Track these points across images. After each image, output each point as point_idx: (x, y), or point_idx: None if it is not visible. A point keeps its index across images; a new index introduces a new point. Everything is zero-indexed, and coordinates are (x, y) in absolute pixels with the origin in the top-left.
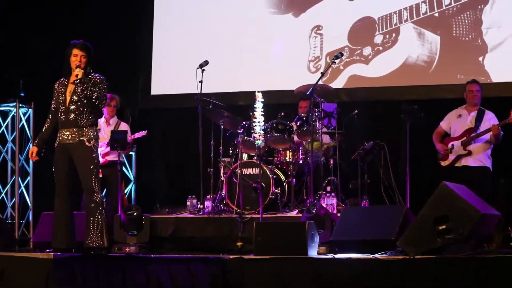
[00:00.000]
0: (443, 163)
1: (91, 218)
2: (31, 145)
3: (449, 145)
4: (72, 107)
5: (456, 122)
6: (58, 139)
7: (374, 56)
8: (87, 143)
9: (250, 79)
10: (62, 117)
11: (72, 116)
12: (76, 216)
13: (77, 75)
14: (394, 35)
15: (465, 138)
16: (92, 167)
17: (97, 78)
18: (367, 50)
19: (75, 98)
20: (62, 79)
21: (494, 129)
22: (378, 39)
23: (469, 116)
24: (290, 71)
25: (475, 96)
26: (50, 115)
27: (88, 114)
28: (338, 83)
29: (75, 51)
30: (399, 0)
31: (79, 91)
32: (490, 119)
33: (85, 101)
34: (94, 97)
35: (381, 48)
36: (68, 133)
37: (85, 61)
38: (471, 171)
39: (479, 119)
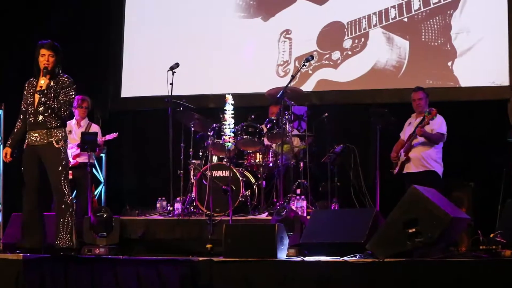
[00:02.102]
0: (394, 172)
1: (61, 220)
2: (1, 146)
3: (399, 153)
4: (41, 108)
5: (406, 130)
6: (27, 140)
7: (343, 60)
8: (55, 145)
9: (220, 82)
10: (30, 119)
11: (40, 118)
12: (47, 218)
13: (41, 87)
14: (363, 39)
15: (406, 144)
16: (60, 168)
17: (66, 80)
18: (336, 55)
19: (43, 99)
20: (31, 80)
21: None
22: (347, 43)
23: (415, 122)
24: (259, 74)
25: (418, 104)
26: (21, 115)
27: (57, 117)
28: (308, 87)
29: (43, 51)
30: (369, 5)
31: (43, 100)
32: (434, 124)
33: (50, 104)
34: (56, 109)
35: (350, 52)
36: (36, 134)
37: (53, 60)
38: (415, 177)
39: (422, 126)
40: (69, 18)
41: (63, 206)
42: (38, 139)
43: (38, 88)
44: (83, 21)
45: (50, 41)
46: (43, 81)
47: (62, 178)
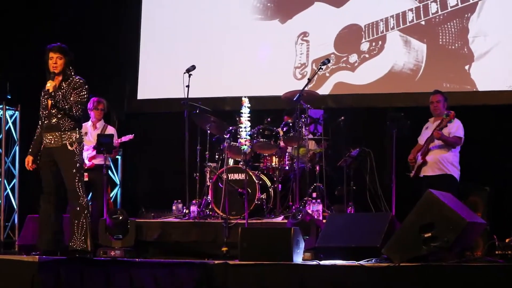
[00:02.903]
0: (410, 174)
1: (76, 221)
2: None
3: (416, 156)
4: (53, 110)
5: (424, 134)
6: (43, 142)
7: (360, 63)
8: (69, 147)
9: (236, 85)
10: (45, 121)
11: (54, 120)
12: (64, 219)
13: (48, 89)
14: (380, 42)
15: (423, 147)
16: (74, 171)
17: (78, 81)
18: (353, 58)
19: (53, 101)
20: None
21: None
22: (365, 46)
23: (432, 126)
24: (276, 77)
25: (435, 107)
26: (39, 121)
27: (70, 118)
28: (324, 90)
29: (51, 54)
30: (386, 8)
31: (53, 101)
32: (451, 127)
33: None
34: (67, 110)
35: (367, 55)
36: (51, 137)
37: (61, 62)
38: (431, 180)
39: (440, 128)
40: (85, 21)
41: (78, 208)
42: (52, 141)
43: (45, 90)
44: (99, 23)
45: (57, 44)
46: (49, 84)
47: (76, 180)
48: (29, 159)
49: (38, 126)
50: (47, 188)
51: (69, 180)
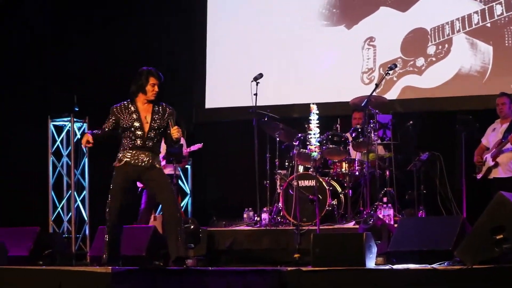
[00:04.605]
0: (478, 176)
1: (178, 229)
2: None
3: (484, 158)
4: (151, 134)
5: (490, 135)
6: (125, 159)
7: (427, 67)
8: (157, 165)
9: (304, 91)
10: (138, 142)
11: (150, 143)
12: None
13: (176, 138)
14: (446, 45)
15: (494, 150)
16: (169, 180)
17: (169, 110)
18: (420, 61)
19: (155, 125)
20: (126, 103)
21: (511, 138)
22: (431, 50)
23: (501, 128)
24: (344, 82)
25: (501, 109)
26: (105, 129)
27: (160, 142)
28: (392, 94)
29: (153, 80)
30: (451, 11)
31: (157, 123)
32: None
33: (161, 130)
34: (169, 142)
35: (434, 59)
36: (143, 157)
37: (158, 90)
38: (501, 183)
39: (508, 130)
40: (152, 32)
41: (178, 214)
42: (143, 162)
43: (145, 116)
44: (166, 34)
45: (155, 69)
46: (176, 134)
47: (172, 189)
48: (89, 137)
49: (104, 131)
50: (118, 203)
51: (168, 193)
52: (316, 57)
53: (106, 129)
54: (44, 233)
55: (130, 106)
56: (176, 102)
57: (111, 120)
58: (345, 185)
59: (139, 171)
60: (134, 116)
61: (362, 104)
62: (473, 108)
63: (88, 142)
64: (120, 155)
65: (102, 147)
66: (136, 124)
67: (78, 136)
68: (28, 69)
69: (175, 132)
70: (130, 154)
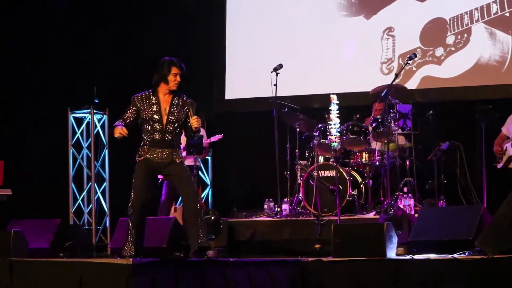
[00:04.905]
0: (498, 166)
1: (198, 219)
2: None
3: (504, 147)
4: (169, 128)
5: (510, 125)
6: (146, 155)
7: (447, 56)
8: (177, 160)
9: (324, 82)
10: (156, 136)
11: (168, 137)
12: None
13: (195, 128)
14: (465, 35)
15: None
16: (189, 173)
17: (188, 101)
18: (440, 51)
19: (172, 118)
20: (147, 93)
21: None
22: (450, 39)
23: None
24: (363, 73)
25: None
26: (127, 121)
27: (180, 135)
28: (411, 84)
29: (175, 70)
30: (470, 0)
31: (175, 116)
32: None
33: (180, 123)
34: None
35: (453, 48)
36: (161, 153)
37: (180, 80)
38: None
39: None
40: (171, 22)
41: (198, 206)
42: (163, 157)
43: (164, 108)
44: (185, 25)
45: (178, 59)
46: (195, 123)
47: (192, 180)
48: (124, 131)
49: (127, 121)
50: (140, 198)
51: (189, 186)
52: (336, 48)
53: (128, 121)
54: (65, 225)
55: (151, 97)
56: (196, 93)
57: (132, 110)
58: (366, 175)
59: (159, 167)
60: (154, 108)
61: (382, 94)
62: (493, 98)
63: (120, 132)
64: (141, 150)
65: (122, 138)
66: (156, 116)
67: (98, 128)
68: (48, 62)
69: (194, 122)
70: (149, 150)
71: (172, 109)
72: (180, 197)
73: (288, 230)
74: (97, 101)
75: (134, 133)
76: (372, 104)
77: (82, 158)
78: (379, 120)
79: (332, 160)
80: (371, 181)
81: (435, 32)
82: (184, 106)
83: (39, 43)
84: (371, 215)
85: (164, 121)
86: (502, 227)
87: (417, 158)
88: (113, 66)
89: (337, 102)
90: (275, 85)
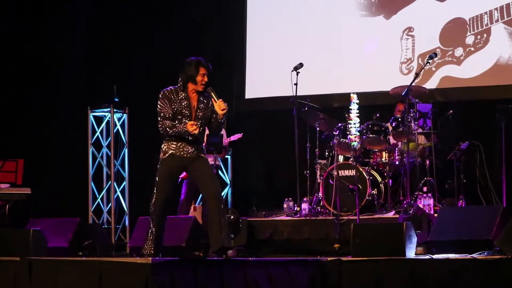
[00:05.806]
0: None
1: (221, 220)
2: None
3: None
4: (197, 123)
5: None
6: (171, 151)
7: (466, 57)
8: (202, 155)
9: (344, 81)
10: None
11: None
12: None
13: (223, 109)
14: (485, 35)
15: None
16: (213, 171)
17: (208, 89)
18: (459, 51)
19: (200, 114)
20: (176, 87)
21: None
22: (470, 39)
23: None
24: (382, 72)
25: None
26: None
27: (204, 132)
28: (431, 84)
29: (203, 70)
30: (490, 0)
31: (203, 112)
32: None
33: (206, 120)
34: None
35: (472, 48)
36: (188, 149)
37: (207, 80)
38: None
39: None
40: (191, 21)
41: (222, 205)
42: (189, 153)
43: (193, 104)
44: (205, 24)
45: (204, 59)
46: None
47: (218, 183)
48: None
49: (172, 126)
50: (165, 194)
51: (214, 184)
52: (356, 47)
53: (169, 115)
54: (84, 224)
55: (180, 92)
56: (216, 91)
57: (166, 104)
58: (385, 174)
59: (185, 162)
60: (184, 103)
61: (403, 94)
62: None
63: (192, 125)
64: (165, 146)
65: (142, 137)
66: (186, 111)
67: (118, 127)
68: (68, 60)
69: (222, 104)
70: (175, 146)
71: (200, 106)
72: (200, 196)
73: (307, 229)
74: (117, 100)
75: (153, 133)
76: (395, 104)
77: (101, 157)
78: (399, 119)
79: (351, 159)
80: (390, 180)
81: (454, 32)
82: (209, 103)
83: (60, 41)
84: (390, 214)
85: (193, 116)
86: None
87: (437, 158)
88: (133, 65)
89: (357, 101)
90: (296, 84)
